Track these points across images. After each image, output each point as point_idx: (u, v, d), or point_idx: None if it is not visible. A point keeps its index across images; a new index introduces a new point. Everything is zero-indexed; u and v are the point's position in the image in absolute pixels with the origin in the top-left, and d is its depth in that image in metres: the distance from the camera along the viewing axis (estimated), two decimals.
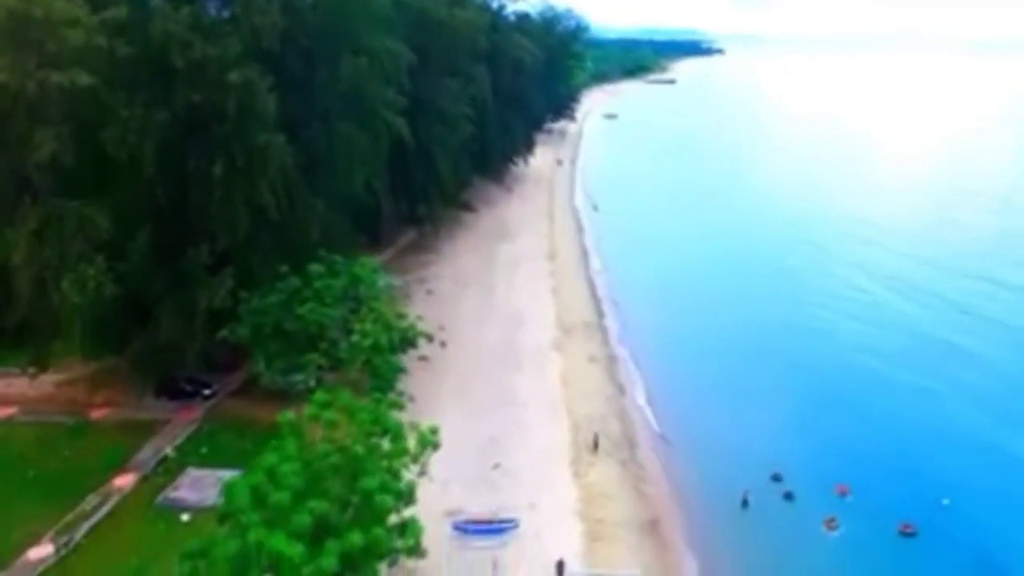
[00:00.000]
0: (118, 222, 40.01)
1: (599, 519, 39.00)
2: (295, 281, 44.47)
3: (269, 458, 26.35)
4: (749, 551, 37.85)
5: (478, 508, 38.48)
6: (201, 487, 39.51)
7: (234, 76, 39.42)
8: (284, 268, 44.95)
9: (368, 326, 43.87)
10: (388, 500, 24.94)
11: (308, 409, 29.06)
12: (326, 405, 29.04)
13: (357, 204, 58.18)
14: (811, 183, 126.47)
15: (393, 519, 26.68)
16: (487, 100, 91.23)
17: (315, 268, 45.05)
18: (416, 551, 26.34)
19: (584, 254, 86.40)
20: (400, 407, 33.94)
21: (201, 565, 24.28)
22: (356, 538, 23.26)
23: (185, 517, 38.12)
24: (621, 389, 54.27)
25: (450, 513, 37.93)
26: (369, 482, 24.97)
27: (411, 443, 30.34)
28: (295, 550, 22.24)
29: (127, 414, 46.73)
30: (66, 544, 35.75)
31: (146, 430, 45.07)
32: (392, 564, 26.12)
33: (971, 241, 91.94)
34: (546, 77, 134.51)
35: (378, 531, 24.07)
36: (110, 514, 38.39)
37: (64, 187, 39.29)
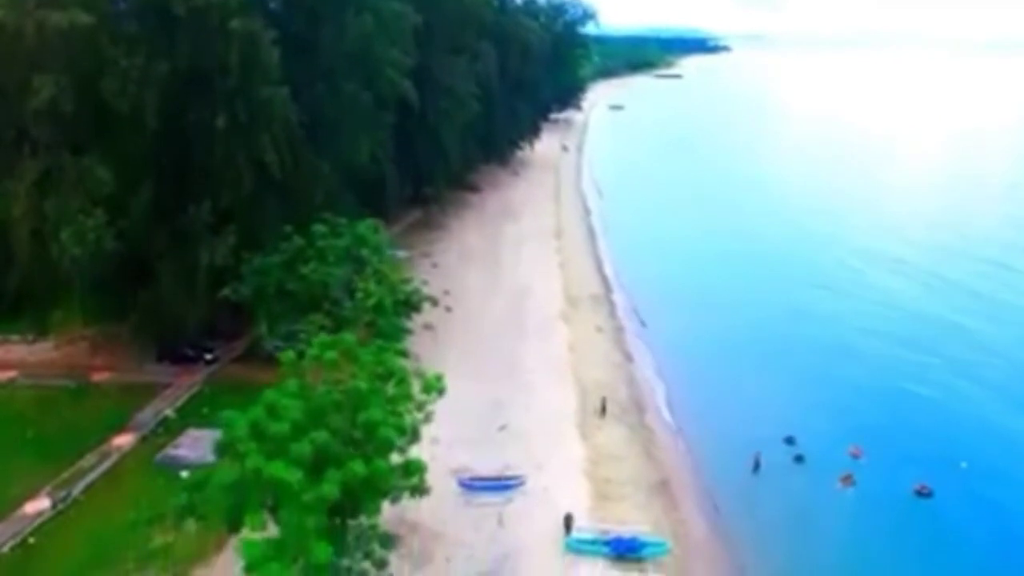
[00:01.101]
0: (119, 176, 39.33)
1: (607, 479, 38.10)
2: (298, 241, 43.68)
3: (269, 395, 25.53)
4: (762, 509, 36.97)
5: (484, 468, 37.67)
6: (201, 446, 38.55)
7: (236, 24, 38.62)
8: (288, 228, 44.19)
9: (372, 286, 43.06)
10: (391, 433, 24.06)
11: (310, 350, 28.21)
12: (329, 347, 28.18)
13: (363, 177, 57.34)
14: (808, 167, 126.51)
15: (396, 459, 25.80)
16: (493, 80, 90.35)
17: (318, 228, 44.27)
18: (420, 490, 25.46)
19: (591, 233, 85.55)
20: (404, 355, 33.05)
21: (198, 497, 23.51)
22: (358, 467, 22.41)
23: (184, 474, 37.26)
24: (628, 357, 53.42)
25: (456, 471, 37.12)
26: (372, 414, 24.13)
27: (416, 390, 29.50)
28: (294, 476, 21.43)
29: (128, 378, 46.10)
30: (63, 499, 35.15)
31: (147, 393, 44.43)
32: (395, 501, 25.23)
33: (978, 229, 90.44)
34: (552, 64, 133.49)
35: (381, 463, 23.21)
36: (109, 471, 37.82)
37: (64, 139, 38.67)
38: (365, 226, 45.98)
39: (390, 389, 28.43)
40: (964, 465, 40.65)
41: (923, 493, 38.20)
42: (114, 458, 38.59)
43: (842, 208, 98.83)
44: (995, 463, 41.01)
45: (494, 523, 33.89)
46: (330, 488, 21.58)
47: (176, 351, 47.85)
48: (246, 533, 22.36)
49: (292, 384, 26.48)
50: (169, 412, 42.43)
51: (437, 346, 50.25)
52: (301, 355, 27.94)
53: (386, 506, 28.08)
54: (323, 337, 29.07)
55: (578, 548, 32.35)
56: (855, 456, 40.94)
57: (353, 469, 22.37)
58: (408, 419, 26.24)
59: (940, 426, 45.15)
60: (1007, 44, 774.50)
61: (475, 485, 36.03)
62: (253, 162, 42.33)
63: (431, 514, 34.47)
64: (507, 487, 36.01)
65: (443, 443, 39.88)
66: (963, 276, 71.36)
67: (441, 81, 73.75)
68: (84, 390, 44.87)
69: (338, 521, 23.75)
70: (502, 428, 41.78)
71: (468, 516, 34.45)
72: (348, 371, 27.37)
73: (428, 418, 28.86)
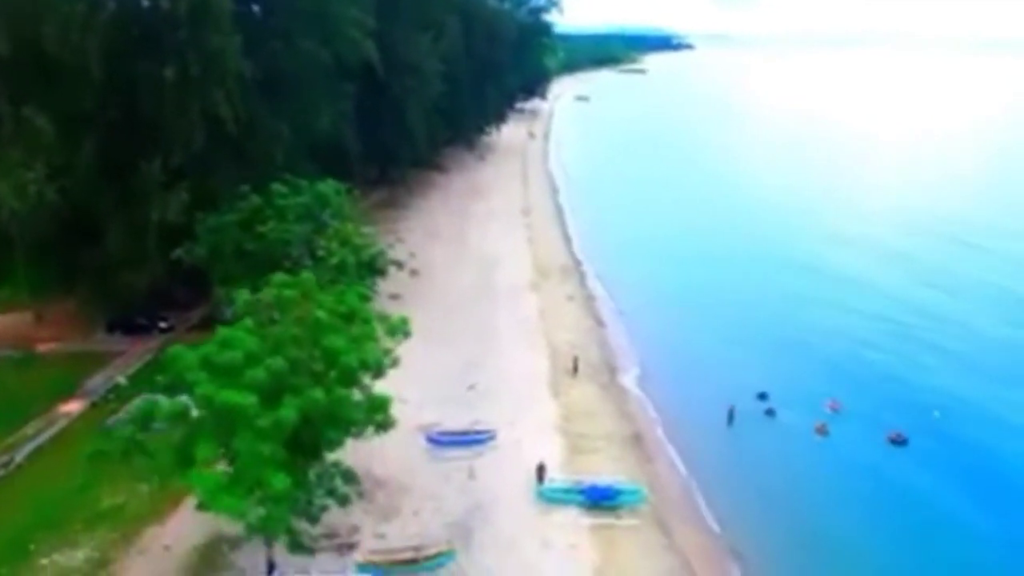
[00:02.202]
0: (62, 129, 37.32)
1: (580, 433, 37.13)
2: (256, 199, 41.94)
3: (222, 331, 24.01)
4: (737, 458, 36.46)
5: (453, 425, 36.44)
6: None
7: None
8: (245, 188, 42.42)
9: (334, 245, 41.54)
10: (353, 360, 22.69)
11: (267, 290, 26.69)
12: (288, 286, 26.70)
13: (326, 153, 55.64)
14: (762, 152, 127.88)
15: (359, 397, 24.42)
16: (459, 60, 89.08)
17: (277, 187, 42.56)
18: (385, 424, 24.10)
19: (559, 211, 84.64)
20: (367, 299, 31.68)
21: (143, 433, 21.90)
22: (318, 395, 21.03)
23: None
24: (600, 322, 52.54)
25: (423, 428, 35.85)
26: (332, 340, 22.75)
27: (380, 332, 28.14)
28: (248, 400, 19.96)
29: (77, 347, 43.91)
30: (5, 465, 33.10)
31: (97, 362, 42.31)
32: (357, 436, 23.83)
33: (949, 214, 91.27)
34: (518, 51, 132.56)
35: (343, 392, 21.82)
36: (55, 438, 35.81)
37: (1, 88, 36.44)
38: (327, 185, 44.38)
39: (353, 329, 27.07)
40: (937, 415, 40.53)
41: (897, 441, 37.97)
42: (61, 424, 36.52)
43: (789, 179, 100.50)
44: (967, 412, 41.00)
45: (464, 476, 32.69)
46: (287, 412, 20.16)
47: (128, 321, 45.77)
48: (198, 469, 20.76)
49: (247, 322, 24.98)
50: (121, 379, 40.31)
51: (405, 310, 48.77)
52: (257, 293, 26.44)
53: (352, 460, 26.87)
54: (281, 276, 27.52)
55: (551, 497, 31.31)
56: (833, 410, 40.58)
57: (312, 396, 20.98)
58: (372, 355, 24.85)
59: (911, 385, 44.85)
60: (982, 43, 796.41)
61: (443, 440, 34.79)
62: (206, 117, 40.53)
63: (398, 469, 33.21)
64: (477, 441, 34.83)
65: (411, 404, 38.49)
66: (930, 254, 71.65)
67: (405, 56, 72.23)
68: (29, 360, 42.55)
69: (299, 459, 22.29)
70: (471, 388, 40.60)
71: (437, 470, 33.21)
72: (307, 308, 25.92)
73: (394, 363, 27.55)
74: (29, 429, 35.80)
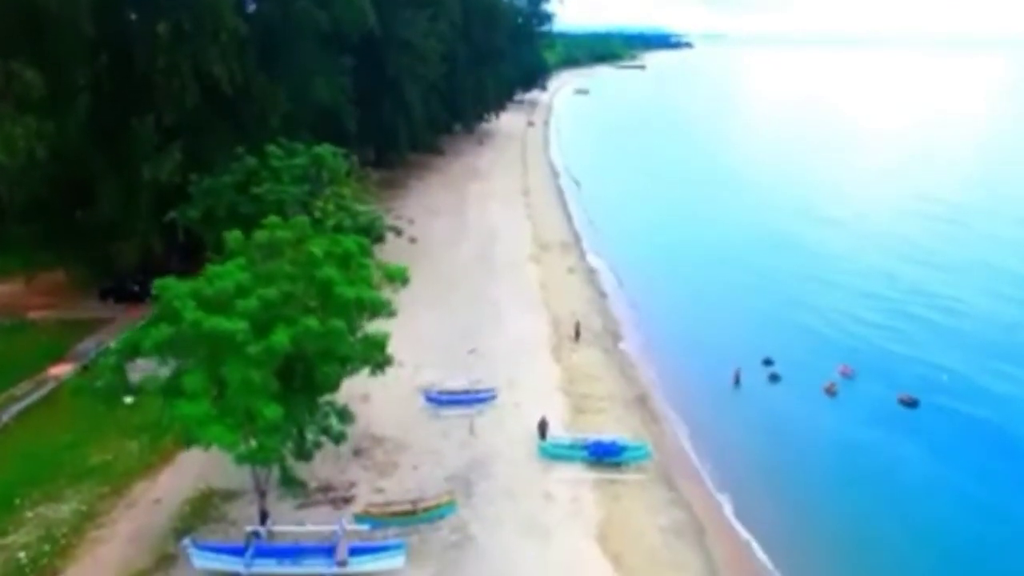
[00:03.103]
0: (52, 86, 36.32)
1: (584, 394, 36.24)
2: (251, 161, 41.04)
3: (211, 268, 23.10)
4: (744, 419, 35.55)
5: (453, 385, 35.52)
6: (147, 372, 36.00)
7: None
8: (240, 150, 41.52)
9: (331, 208, 40.65)
10: (349, 292, 21.77)
11: (259, 233, 25.77)
12: (279, 227, 25.79)
13: (324, 129, 54.59)
14: (760, 139, 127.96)
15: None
16: (458, 43, 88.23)
17: (273, 149, 41.67)
18: (382, 363, 23.18)
19: (559, 193, 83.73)
20: (363, 248, 30.65)
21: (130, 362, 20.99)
22: (312, 322, 20.11)
23: (128, 400, 34.67)
24: (602, 294, 51.67)
25: (423, 389, 34.96)
26: (327, 271, 21.84)
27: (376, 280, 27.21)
28: (238, 326, 19.05)
29: (69, 314, 42.96)
30: None
31: (89, 328, 41.37)
32: (353, 372, 22.90)
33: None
34: (517, 40, 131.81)
35: (337, 322, 20.87)
36: (44, 399, 34.88)
37: None
38: (324, 148, 43.48)
39: (350, 273, 26.13)
40: (945, 378, 39.67)
41: (907, 402, 37.08)
42: (50, 386, 35.61)
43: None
44: (976, 376, 40.11)
45: (464, 433, 31.77)
46: (279, 338, 19.24)
47: (121, 288, 44.81)
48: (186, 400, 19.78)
49: (239, 260, 24.06)
50: (112, 344, 39.25)
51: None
52: (248, 236, 25.53)
53: None
54: (275, 219, 26.62)
55: (554, 453, 30.40)
56: (844, 375, 39.69)
57: (306, 324, 20.06)
58: (369, 295, 23.90)
59: (919, 355, 43.90)
60: (982, 43, 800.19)
61: (443, 399, 33.86)
62: (199, 76, 39.64)
63: (397, 428, 32.33)
64: (477, 400, 33.89)
65: (408, 366, 37.74)
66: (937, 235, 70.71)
67: (402, 33, 71.34)
68: (20, 327, 41.65)
69: (293, 395, 21.30)
70: (472, 351, 39.68)
71: (436, 427, 32.31)
72: (302, 250, 25.01)
73: (392, 313, 26.59)
74: (17, 390, 34.90)
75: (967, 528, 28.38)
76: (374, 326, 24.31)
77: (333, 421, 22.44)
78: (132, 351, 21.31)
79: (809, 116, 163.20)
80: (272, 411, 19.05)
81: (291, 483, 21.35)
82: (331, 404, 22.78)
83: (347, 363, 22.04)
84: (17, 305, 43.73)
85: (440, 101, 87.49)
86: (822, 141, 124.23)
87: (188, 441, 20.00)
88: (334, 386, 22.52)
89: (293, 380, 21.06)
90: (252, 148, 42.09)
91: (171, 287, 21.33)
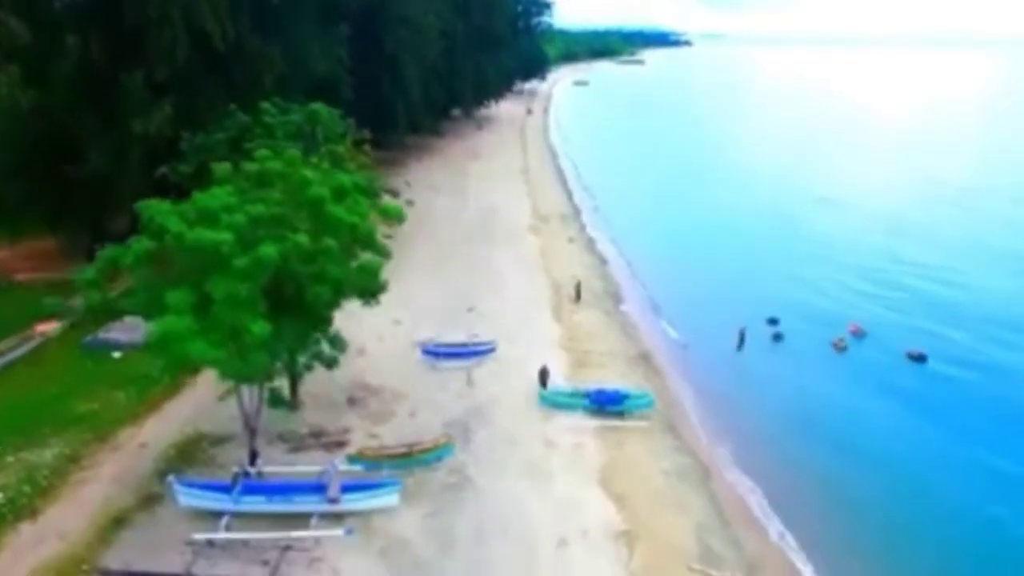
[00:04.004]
0: (39, 34, 35.39)
1: (586, 350, 35.31)
2: (244, 118, 40.06)
3: (196, 195, 22.11)
4: (749, 374, 34.57)
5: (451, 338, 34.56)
6: (137, 331, 34.76)
7: None
8: (233, 107, 40.54)
9: (326, 166, 39.54)
10: (341, 213, 20.80)
11: (249, 164, 24.83)
12: (270, 159, 24.82)
13: (318, 96, 53.55)
14: (758, 127, 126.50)
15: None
16: (456, 24, 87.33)
17: (267, 106, 40.69)
18: (375, 290, 22.23)
19: (559, 172, 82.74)
20: (361, 187, 29.73)
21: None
22: (302, 238, 19.16)
23: (116, 355, 33.84)
24: (603, 260, 50.73)
25: (420, 343, 34.00)
26: (316, 190, 20.88)
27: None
28: (224, 236, 18.09)
29: (58, 276, 41.80)
30: None
31: (77, 289, 40.30)
32: (344, 299, 21.92)
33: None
34: (515, 28, 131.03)
35: (328, 241, 19.91)
36: (30, 354, 33.99)
37: None
38: (319, 105, 42.51)
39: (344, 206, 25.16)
40: (955, 337, 38.73)
41: (915, 357, 36.17)
42: (36, 341, 34.69)
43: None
44: (986, 331, 39.23)
45: (462, 384, 30.82)
46: (268, 250, 18.27)
47: None
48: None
49: (226, 188, 23.06)
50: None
51: (400, 248, 46.74)
52: (237, 167, 24.59)
53: (342, 372, 25.12)
54: (265, 151, 25.65)
55: (555, 402, 29.47)
56: (854, 333, 38.78)
57: (295, 240, 19.11)
58: (363, 225, 22.93)
59: (924, 311, 43.18)
60: (975, 42, 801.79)
61: (440, 351, 32.88)
62: (191, 30, 38.67)
63: (393, 379, 31.33)
64: (476, 353, 32.95)
65: (406, 323, 36.98)
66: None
67: (399, 8, 70.39)
68: (7, 288, 40.65)
69: (282, 318, 20.29)
70: (471, 310, 38.80)
71: (434, 379, 31.35)
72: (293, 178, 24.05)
73: (388, 254, 25.65)
74: (3, 346, 33.96)
75: (969, 477, 27.39)
76: None
77: (325, 347, 21.48)
78: (111, 264, 20.34)
79: (809, 108, 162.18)
80: (260, 327, 18.09)
81: (280, 403, 20.43)
82: (324, 332, 21.80)
83: (339, 288, 21.04)
84: (4, 268, 42.78)
85: (439, 83, 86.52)
86: (820, 129, 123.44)
87: (171, 363, 18.88)
88: (326, 315, 21.59)
89: (283, 301, 20.08)
90: (246, 107, 41.13)
91: (154, 206, 20.35)
